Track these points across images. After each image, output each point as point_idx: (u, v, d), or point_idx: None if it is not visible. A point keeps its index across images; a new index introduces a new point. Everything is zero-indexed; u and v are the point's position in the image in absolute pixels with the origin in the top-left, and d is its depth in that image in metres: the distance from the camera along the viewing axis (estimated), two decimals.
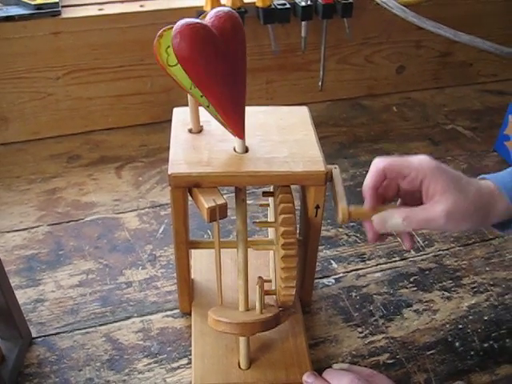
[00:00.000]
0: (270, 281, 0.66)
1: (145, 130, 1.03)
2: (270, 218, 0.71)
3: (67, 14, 0.92)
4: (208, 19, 0.53)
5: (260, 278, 0.59)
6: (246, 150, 0.59)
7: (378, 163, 0.57)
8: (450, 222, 0.54)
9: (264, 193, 0.66)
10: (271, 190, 0.66)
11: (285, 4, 0.97)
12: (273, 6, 0.96)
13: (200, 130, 0.62)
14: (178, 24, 0.51)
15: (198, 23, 0.51)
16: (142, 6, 0.95)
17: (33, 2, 0.89)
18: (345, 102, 1.13)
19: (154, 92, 1.02)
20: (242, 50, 0.54)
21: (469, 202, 0.55)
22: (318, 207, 0.60)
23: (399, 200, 0.61)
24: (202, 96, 0.55)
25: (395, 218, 0.56)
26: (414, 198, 0.58)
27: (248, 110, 0.57)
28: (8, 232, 0.81)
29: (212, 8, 0.90)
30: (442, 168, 0.56)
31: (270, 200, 0.69)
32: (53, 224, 0.82)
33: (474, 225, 0.57)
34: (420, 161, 0.56)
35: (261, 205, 0.73)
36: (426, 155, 0.57)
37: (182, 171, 0.56)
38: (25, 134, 0.99)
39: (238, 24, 0.54)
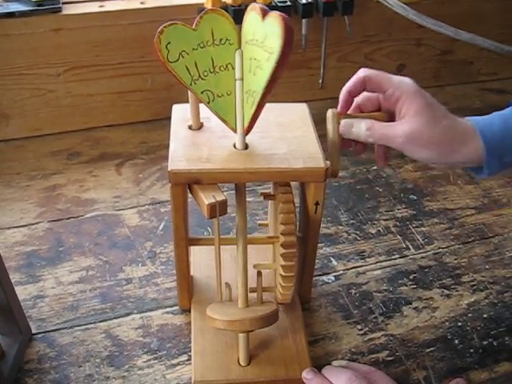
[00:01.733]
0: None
1: (145, 127, 1.03)
2: (270, 217, 0.71)
3: (68, 10, 0.92)
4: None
5: (257, 268, 0.59)
6: (246, 146, 0.59)
7: (361, 72, 0.59)
8: (408, 144, 0.56)
9: (262, 194, 0.66)
10: (270, 191, 0.67)
11: (285, 1, 0.97)
12: (273, 4, 0.96)
13: (200, 127, 0.62)
14: (275, 12, 0.51)
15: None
16: (142, 3, 0.95)
17: None
18: None
19: (154, 89, 1.02)
20: None
21: (434, 132, 0.55)
22: (317, 204, 0.60)
23: None
24: (202, 92, 0.56)
25: (361, 125, 0.58)
26: (393, 117, 0.59)
27: None
28: (8, 228, 0.81)
29: (213, 5, 0.91)
30: (420, 92, 0.57)
31: (270, 203, 0.69)
32: (53, 220, 0.82)
33: (435, 156, 0.57)
34: (401, 80, 0.58)
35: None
36: (411, 79, 0.58)
37: (181, 168, 0.56)
38: (25, 131, 0.99)
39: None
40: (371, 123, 0.58)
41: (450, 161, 0.57)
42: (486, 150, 0.55)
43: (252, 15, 0.54)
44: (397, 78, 0.58)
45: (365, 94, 0.60)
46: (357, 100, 0.61)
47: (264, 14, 0.53)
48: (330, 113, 0.60)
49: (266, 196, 0.65)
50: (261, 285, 0.60)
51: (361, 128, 0.58)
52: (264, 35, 0.53)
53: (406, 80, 0.58)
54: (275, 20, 0.51)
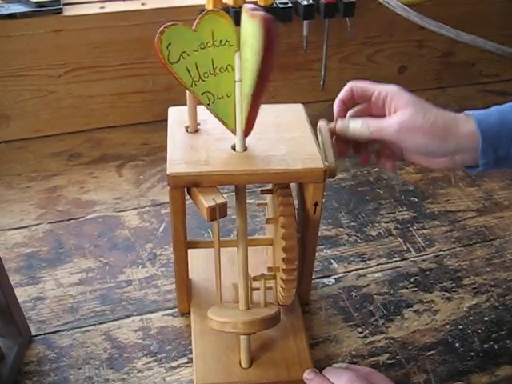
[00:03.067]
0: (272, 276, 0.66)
1: (146, 128, 1.03)
2: (269, 217, 0.71)
3: (69, 11, 0.92)
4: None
5: (257, 279, 0.59)
6: (244, 148, 0.59)
7: (348, 84, 0.63)
8: (402, 132, 0.58)
9: (262, 190, 0.65)
10: (269, 188, 0.66)
11: (287, 3, 0.96)
12: (275, 5, 0.96)
13: (197, 129, 0.62)
14: (251, 7, 0.51)
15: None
16: (143, 4, 0.95)
17: (34, 0, 0.89)
18: None
19: (155, 90, 1.02)
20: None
21: (426, 117, 0.57)
22: (316, 204, 0.60)
23: None
24: (202, 93, 0.55)
25: (356, 122, 0.61)
26: None
27: None
28: (8, 230, 0.81)
29: (214, 7, 0.91)
30: (405, 90, 0.60)
31: (269, 198, 0.69)
32: (53, 222, 0.82)
33: (430, 140, 0.58)
34: (384, 85, 0.61)
35: (258, 204, 0.72)
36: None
37: (180, 171, 0.56)
38: (26, 132, 0.99)
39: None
40: (366, 119, 0.61)
41: (445, 147, 0.58)
42: (481, 138, 0.57)
43: (244, 16, 0.54)
44: (380, 84, 0.62)
45: (355, 108, 0.64)
46: (349, 114, 0.64)
47: (252, 14, 0.52)
48: (321, 125, 0.62)
49: (264, 191, 0.64)
50: (264, 291, 0.60)
51: (356, 124, 0.60)
52: (252, 36, 0.53)
53: (390, 85, 0.61)
54: (256, 20, 0.50)
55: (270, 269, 0.63)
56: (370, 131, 0.60)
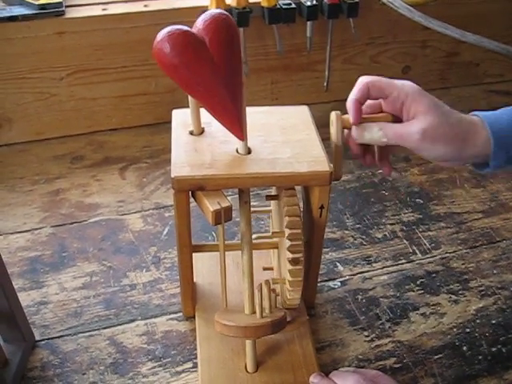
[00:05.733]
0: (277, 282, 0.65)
1: (149, 130, 1.02)
2: (273, 222, 0.70)
3: (71, 13, 0.91)
4: (197, 24, 0.53)
5: (267, 281, 0.59)
6: (249, 151, 0.58)
7: (363, 79, 0.59)
8: (425, 141, 0.56)
9: (268, 196, 0.65)
10: (274, 194, 0.66)
11: (290, 4, 0.96)
12: (278, 6, 0.95)
13: (201, 132, 0.61)
14: (159, 34, 0.51)
15: (177, 30, 0.51)
16: (146, 5, 0.95)
17: (36, 2, 0.89)
18: None
19: (158, 92, 1.01)
20: (234, 52, 0.53)
21: (448, 125, 0.56)
22: (322, 207, 0.59)
23: None
24: None
25: (373, 128, 0.58)
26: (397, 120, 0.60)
27: (248, 110, 0.57)
28: (11, 233, 0.80)
29: (217, 7, 0.90)
30: (424, 92, 0.58)
31: (273, 204, 0.68)
32: (56, 225, 0.82)
33: (450, 150, 0.57)
34: (403, 83, 0.59)
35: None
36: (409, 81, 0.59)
37: (185, 174, 0.55)
38: (28, 135, 0.98)
39: (227, 26, 0.53)
40: (383, 124, 0.58)
41: (462, 155, 0.58)
42: (493, 141, 0.56)
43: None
44: (398, 81, 0.59)
45: (368, 101, 0.61)
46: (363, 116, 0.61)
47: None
48: (333, 115, 0.59)
49: (270, 197, 0.64)
50: (270, 296, 0.59)
51: (373, 131, 0.58)
52: None
53: (407, 82, 0.59)
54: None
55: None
56: (388, 138, 0.58)
